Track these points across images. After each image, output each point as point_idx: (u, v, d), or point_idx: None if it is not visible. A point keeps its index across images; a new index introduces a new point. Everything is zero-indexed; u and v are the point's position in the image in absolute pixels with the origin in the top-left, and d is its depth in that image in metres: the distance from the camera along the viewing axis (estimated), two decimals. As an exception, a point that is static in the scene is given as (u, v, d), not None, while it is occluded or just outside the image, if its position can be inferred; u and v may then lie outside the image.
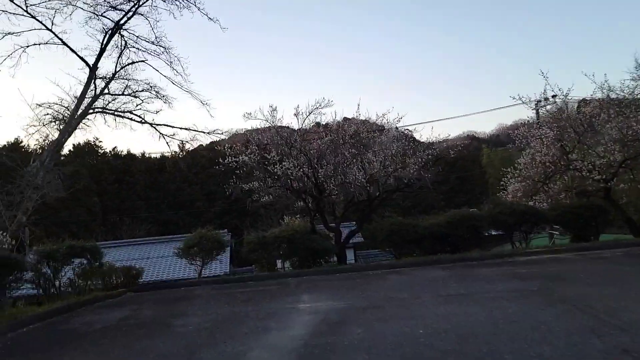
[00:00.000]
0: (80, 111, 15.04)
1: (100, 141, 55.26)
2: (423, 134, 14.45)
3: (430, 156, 13.72)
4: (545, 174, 15.68)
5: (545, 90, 15.41)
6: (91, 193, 49.80)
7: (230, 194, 13.66)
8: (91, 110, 16.03)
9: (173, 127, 16.81)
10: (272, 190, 14.31)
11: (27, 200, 12.74)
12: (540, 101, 16.54)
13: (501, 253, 12.30)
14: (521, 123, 20.09)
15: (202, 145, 39.25)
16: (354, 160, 13.44)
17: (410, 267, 11.72)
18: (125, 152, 58.14)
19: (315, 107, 13.14)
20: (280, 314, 7.35)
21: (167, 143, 17.87)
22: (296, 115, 13.24)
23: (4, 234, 9.73)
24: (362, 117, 13.87)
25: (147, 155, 58.90)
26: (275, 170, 13.01)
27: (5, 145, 39.83)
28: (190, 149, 45.71)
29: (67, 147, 46.57)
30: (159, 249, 28.13)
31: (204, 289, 10.99)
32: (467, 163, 58.41)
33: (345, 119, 14.56)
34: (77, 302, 9.60)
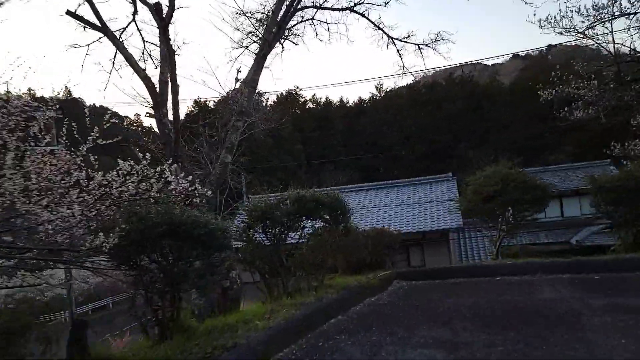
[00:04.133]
0: (284, 6, 10.47)
1: (301, 89, 54.68)
2: None
3: None
4: None
5: None
6: (295, 140, 49.31)
7: (550, 101, 7.60)
8: (297, 14, 11.40)
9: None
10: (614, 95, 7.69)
11: (231, 132, 8.74)
12: None
13: None
14: None
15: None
16: None
17: None
18: (323, 100, 56.69)
19: None
20: None
21: (397, 51, 12.33)
22: None
23: (199, 182, 5.52)
24: None
25: (344, 100, 56.57)
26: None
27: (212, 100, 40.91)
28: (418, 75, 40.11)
29: (271, 99, 45.76)
30: (370, 196, 23.90)
31: (545, 286, 5.30)
32: None
33: None
34: (321, 308, 4.97)
